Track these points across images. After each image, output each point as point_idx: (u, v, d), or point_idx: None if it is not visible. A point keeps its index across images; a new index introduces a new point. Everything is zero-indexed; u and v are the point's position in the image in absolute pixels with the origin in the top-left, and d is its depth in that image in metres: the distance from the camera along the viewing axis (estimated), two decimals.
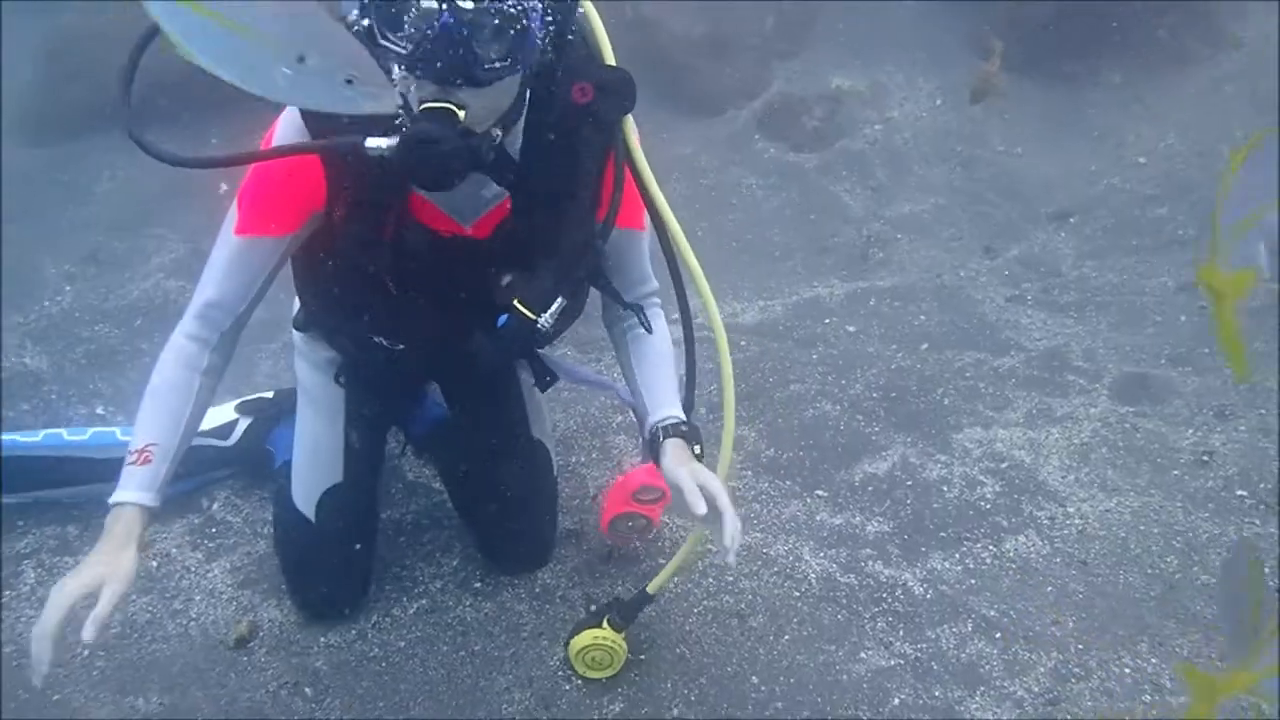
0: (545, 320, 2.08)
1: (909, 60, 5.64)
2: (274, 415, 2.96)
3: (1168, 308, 3.85)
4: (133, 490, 1.93)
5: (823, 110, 5.33)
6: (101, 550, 1.87)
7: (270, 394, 3.05)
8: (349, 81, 1.54)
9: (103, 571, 1.83)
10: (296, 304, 2.47)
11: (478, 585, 2.60)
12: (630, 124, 2.07)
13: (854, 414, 3.30)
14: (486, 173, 1.98)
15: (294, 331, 2.53)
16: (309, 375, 2.53)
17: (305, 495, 2.48)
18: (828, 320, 3.92)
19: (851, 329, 3.87)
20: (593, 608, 2.41)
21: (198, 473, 2.92)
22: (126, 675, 2.32)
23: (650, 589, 2.29)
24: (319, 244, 2.11)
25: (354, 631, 2.46)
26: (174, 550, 2.74)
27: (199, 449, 2.90)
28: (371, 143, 1.81)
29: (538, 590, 2.59)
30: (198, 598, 2.56)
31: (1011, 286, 4.12)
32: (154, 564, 2.67)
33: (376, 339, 2.29)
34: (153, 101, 5.59)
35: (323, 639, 2.43)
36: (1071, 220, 4.58)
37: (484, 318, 2.17)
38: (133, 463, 1.96)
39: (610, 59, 2.08)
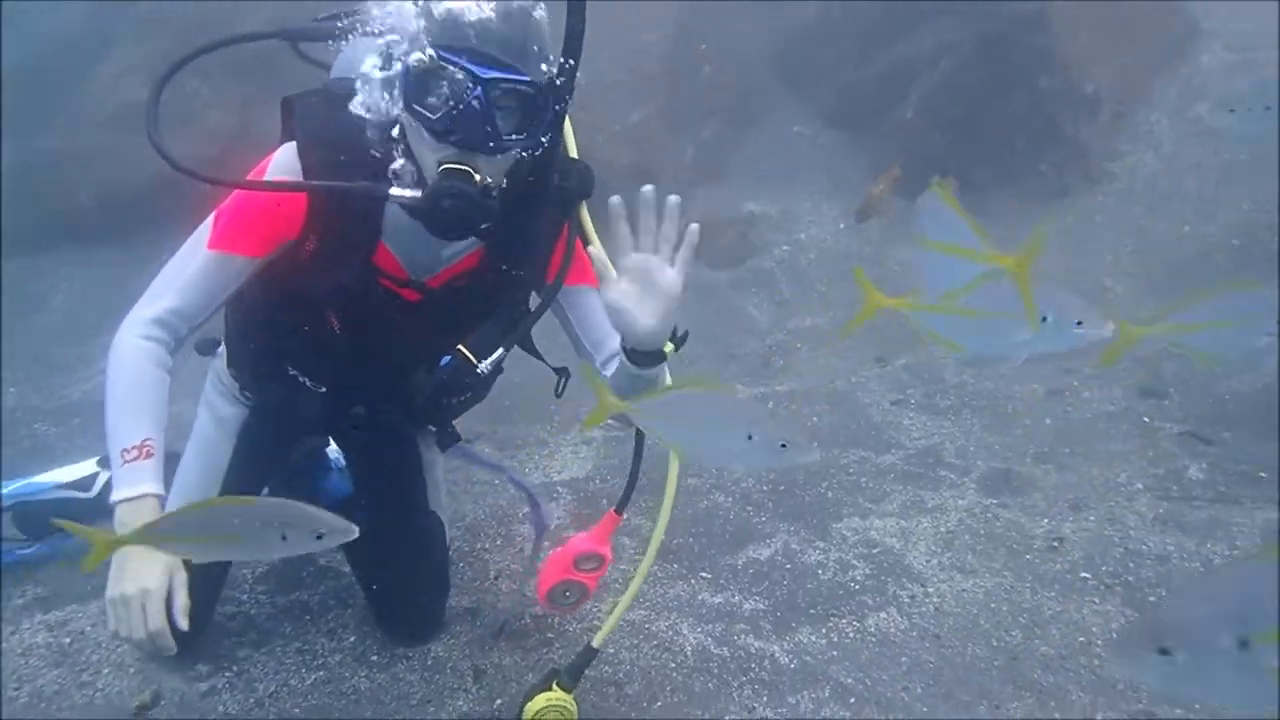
0: (485, 366, 2.24)
1: (816, 188, 5.98)
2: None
3: (1036, 412, 4.07)
4: (147, 483, 1.95)
5: (735, 232, 5.61)
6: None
7: None
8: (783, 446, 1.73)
9: (167, 562, 1.93)
10: (221, 349, 2.57)
11: (374, 659, 2.69)
12: (584, 206, 2.26)
13: (744, 505, 3.45)
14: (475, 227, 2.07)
15: (211, 373, 2.62)
16: (205, 423, 2.61)
17: None
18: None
19: None
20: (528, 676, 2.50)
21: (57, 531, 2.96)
22: None
23: (595, 643, 2.39)
24: (277, 272, 2.17)
25: (252, 699, 2.53)
26: (88, 628, 2.80)
27: (57, 502, 3.04)
28: (395, 191, 1.99)
29: (429, 662, 2.68)
30: (105, 670, 2.63)
31: (898, 392, 4.33)
32: (67, 640, 2.75)
33: (301, 378, 2.39)
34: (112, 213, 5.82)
35: (220, 707, 2.50)
36: None
37: (419, 357, 2.30)
38: (134, 459, 1.96)
39: (574, 152, 2.25)
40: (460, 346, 2.24)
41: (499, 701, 2.52)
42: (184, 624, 1.93)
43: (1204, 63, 6.41)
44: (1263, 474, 3.51)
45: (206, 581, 2.52)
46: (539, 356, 2.46)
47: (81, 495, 3.04)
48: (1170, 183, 5.54)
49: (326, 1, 2.41)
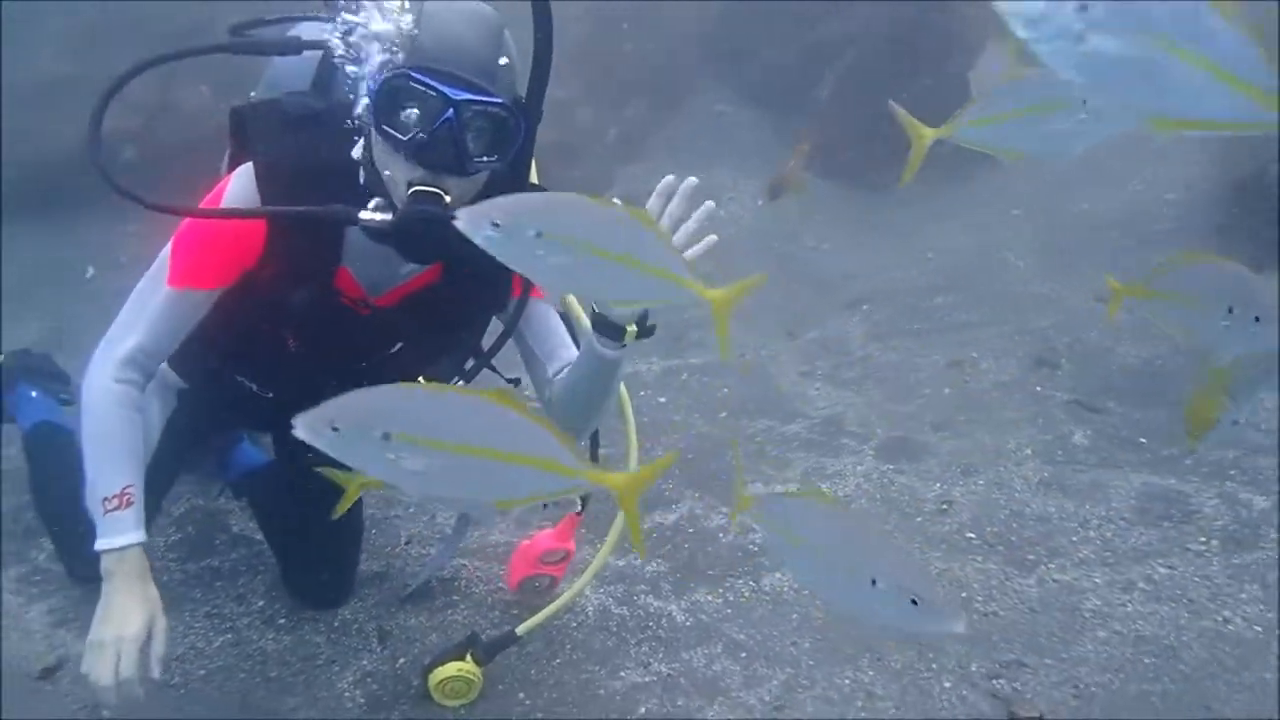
0: None
1: (737, 166, 6.06)
2: (8, 380, 3.10)
3: (936, 382, 4.20)
4: (130, 533, 2.01)
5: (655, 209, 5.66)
6: (126, 593, 1.99)
7: (28, 350, 3.21)
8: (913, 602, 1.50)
9: (149, 610, 1.99)
10: None
11: (281, 621, 2.74)
12: None
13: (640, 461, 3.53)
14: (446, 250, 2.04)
15: None
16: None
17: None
18: (642, 393, 4.17)
19: (662, 400, 4.13)
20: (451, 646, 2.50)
21: None
22: None
23: (519, 631, 2.46)
24: (232, 295, 2.15)
25: None
26: None
27: None
28: (365, 215, 1.95)
29: (336, 624, 2.73)
30: (14, 636, 2.65)
31: (806, 364, 4.44)
32: None
33: (248, 384, 2.38)
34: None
35: None
36: (864, 307, 4.95)
37: (379, 383, 2.33)
38: (115, 508, 2.00)
39: (535, 176, 2.23)
40: (421, 379, 2.26)
41: (401, 661, 2.58)
42: (156, 672, 2.00)
43: None
44: (1142, 440, 3.66)
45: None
46: (493, 369, 2.46)
47: None
48: (1070, 163, 5.68)
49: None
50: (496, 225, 1.51)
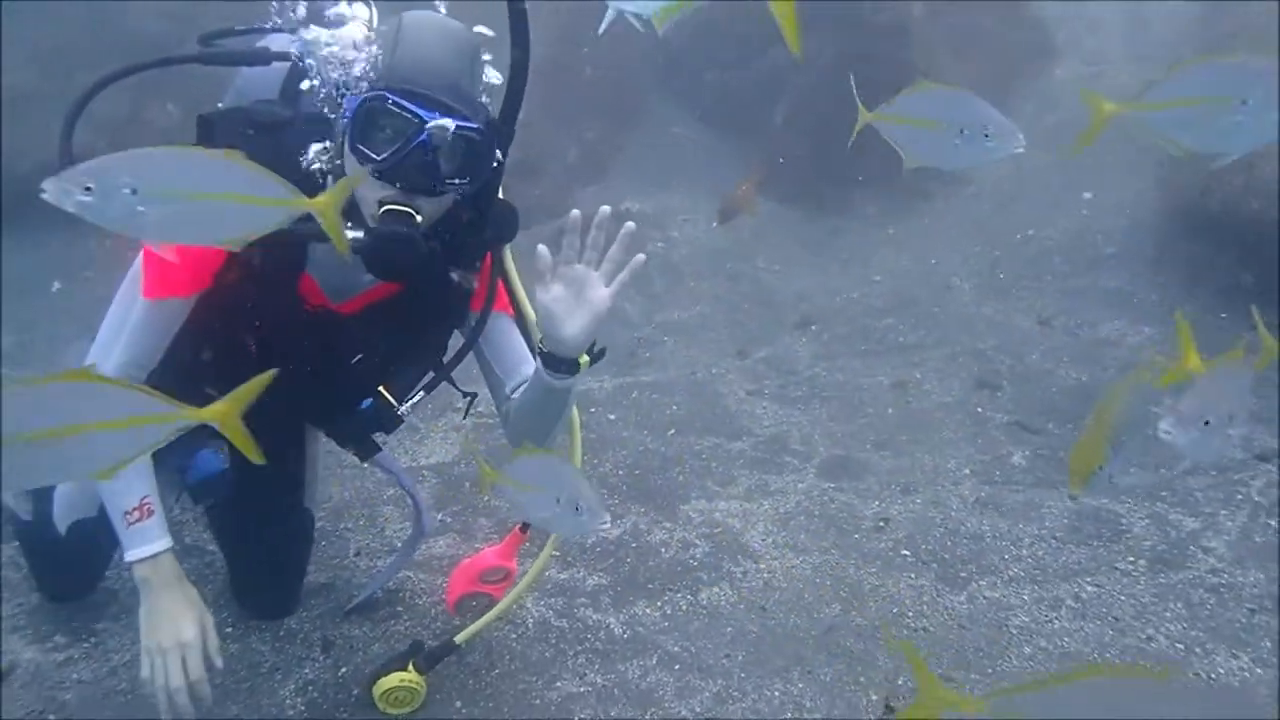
0: (405, 409, 2.30)
1: (692, 187, 6.15)
2: None
3: (880, 402, 4.28)
4: (157, 540, 2.12)
5: (613, 228, 5.73)
6: (169, 598, 2.10)
7: None
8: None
9: (197, 610, 2.12)
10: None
11: (229, 630, 2.76)
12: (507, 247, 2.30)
13: (599, 488, 3.58)
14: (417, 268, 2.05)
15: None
16: None
17: (61, 515, 2.54)
18: (592, 409, 4.23)
19: (612, 417, 4.19)
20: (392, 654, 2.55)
21: None
22: None
23: (458, 640, 2.49)
24: (199, 298, 2.16)
25: (106, 669, 2.59)
26: None
27: None
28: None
29: (281, 633, 2.76)
30: None
31: (754, 382, 4.51)
32: None
33: (209, 390, 2.36)
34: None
35: (74, 675, 2.56)
36: (813, 328, 5.04)
37: (342, 395, 2.34)
38: (138, 520, 2.10)
39: (501, 192, 2.24)
40: (381, 389, 2.29)
41: (343, 670, 2.62)
42: (219, 663, 2.16)
43: (1058, 75, 6.73)
44: None
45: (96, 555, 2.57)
46: (452, 383, 2.46)
47: None
48: (1017, 188, 5.83)
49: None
50: (89, 190, 1.49)
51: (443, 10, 2.14)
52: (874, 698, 2.58)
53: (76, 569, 2.69)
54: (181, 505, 3.06)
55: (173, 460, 2.94)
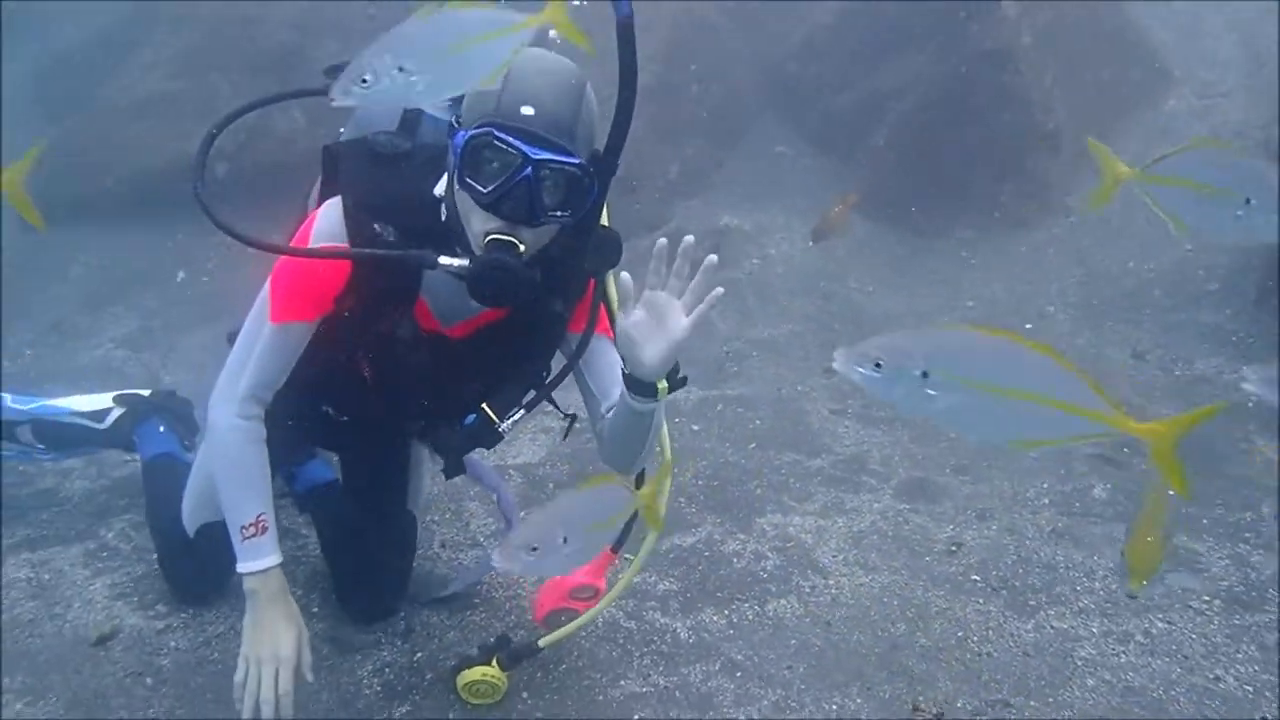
0: (505, 425, 2.40)
1: (791, 206, 6.16)
2: (145, 412, 3.27)
3: None
4: (268, 556, 2.26)
5: (710, 244, 5.78)
6: (272, 612, 2.25)
7: (147, 393, 3.37)
8: None
9: (296, 627, 2.27)
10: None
11: (316, 610, 2.90)
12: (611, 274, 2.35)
13: (677, 496, 3.64)
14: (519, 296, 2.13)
15: None
16: None
17: (190, 516, 2.71)
18: (677, 419, 4.29)
19: (696, 428, 4.25)
20: (475, 650, 2.62)
21: (66, 447, 3.30)
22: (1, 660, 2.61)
23: (542, 643, 2.56)
24: (325, 325, 2.27)
25: (201, 639, 2.75)
26: (66, 567, 3.03)
27: (73, 426, 3.29)
28: (444, 260, 2.07)
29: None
30: (76, 605, 2.85)
31: (838, 402, 4.51)
32: (46, 577, 2.97)
33: (327, 409, 2.52)
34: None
35: (172, 643, 2.72)
36: None
37: (447, 412, 2.44)
38: (252, 535, 2.23)
39: (605, 219, 2.29)
40: (485, 405, 2.37)
41: (419, 655, 2.73)
42: (309, 678, 2.29)
43: (1171, 107, 6.56)
44: None
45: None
46: (553, 403, 2.53)
47: (95, 426, 3.29)
48: (1123, 219, 5.69)
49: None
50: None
51: (556, 39, 2.19)
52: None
53: (206, 569, 2.80)
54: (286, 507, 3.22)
55: (282, 468, 3.10)
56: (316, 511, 3.06)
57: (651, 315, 2.05)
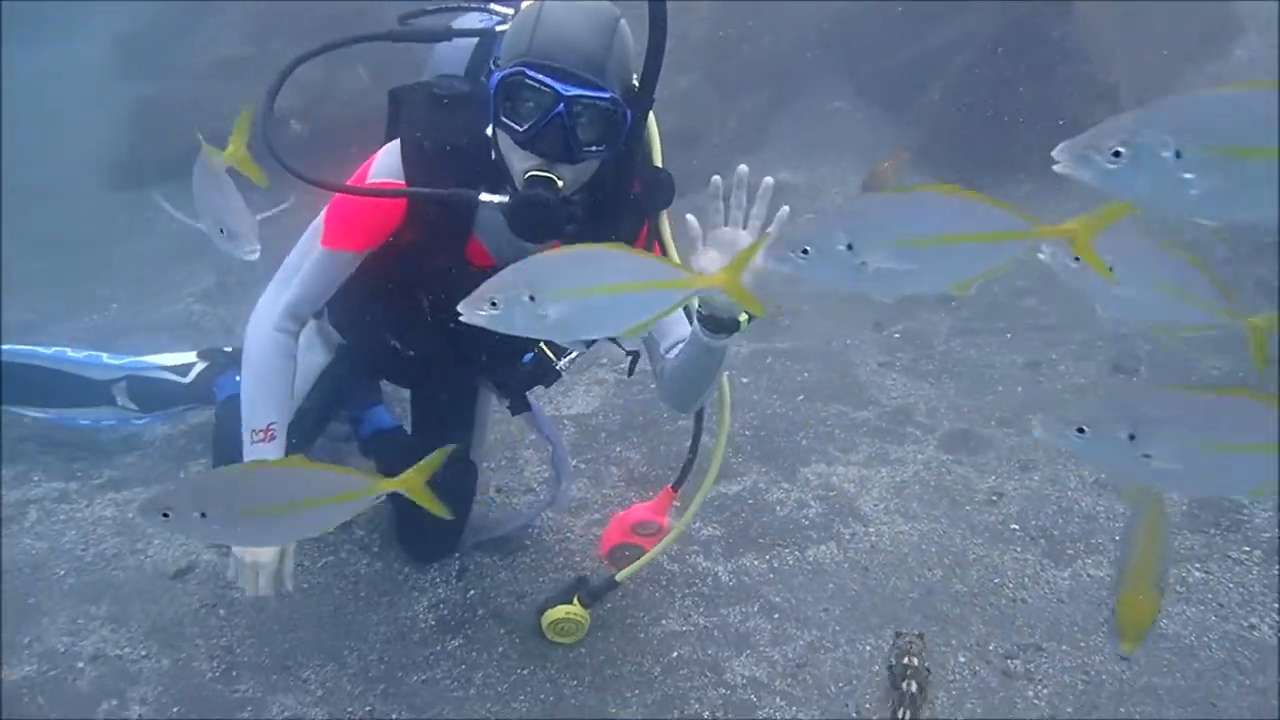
0: (563, 364, 2.48)
1: (846, 162, 6.13)
2: (224, 364, 3.43)
3: (1011, 380, 4.23)
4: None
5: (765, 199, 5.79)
6: None
7: (229, 349, 3.52)
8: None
9: None
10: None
11: (376, 550, 3.03)
12: (664, 214, 2.36)
13: (726, 446, 3.69)
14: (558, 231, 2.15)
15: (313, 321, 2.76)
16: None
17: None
18: (728, 373, 4.32)
19: (745, 380, 4.29)
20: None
21: (155, 408, 3.46)
22: (88, 590, 2.78)
23: (618, 577, 2.65)
24: (376, 259, 2.33)
25: None
26: None
27: (161, 381, 3.44)
28: (485, 197, 2.12)
29: None
30: (156, 541, 3.01)
31: (887, 355, 4.52)
32: (129, 515, 3.14)
33: (394, 343, 2.60)
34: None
35: None
36: (953, 304, 4.99)
37: (505, 349, 2.47)
38: (260, 440, 2.25)
39: (659, 159, 2.32)
40: (542, 345, 2.43)
41: (472, 593, 2.85)
42: (289, 587, 2.31)
43: (1237, 56, 6.37)
44: None
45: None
46: (615, 341, 2.54)
47: (180, 380, 3.46)
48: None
49: None
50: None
51: None
52: (961, 659, 2.63)
53: None
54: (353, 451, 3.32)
55: (347, 413, 3.22)
56: (380, 455, 3.17)
57: (722, 252, 2.02)
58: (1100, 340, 4.50)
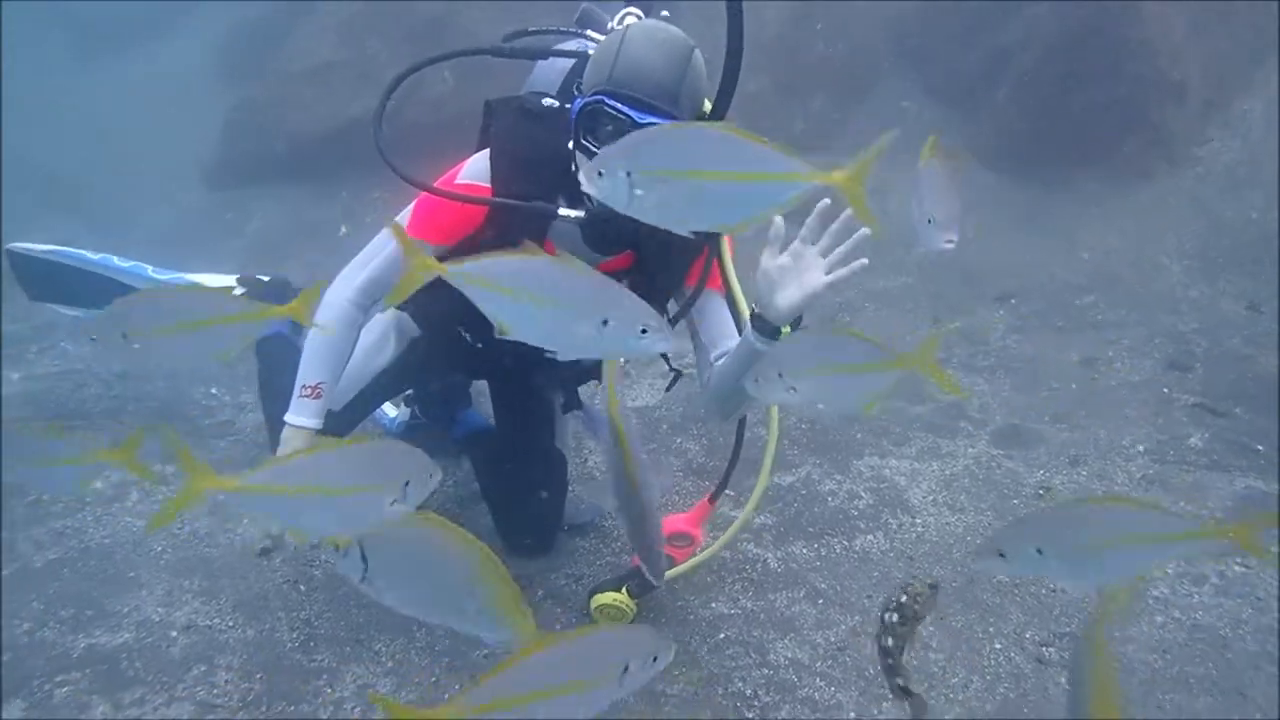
0: (620, 364, 2.58)
1: (913, 162, 6.09)
2: (260, 294, 3.62)
3: (1065, 377, 4.24)
4: (307, 417, 2.47)
5: (832, 196, 5.81)
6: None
7: (266, 277, 3.73)
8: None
9: None
10: None
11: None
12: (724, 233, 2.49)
13: (780, 438, 3.77)
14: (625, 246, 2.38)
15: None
16: (372, 328, 2.88)
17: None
18: None
19: None
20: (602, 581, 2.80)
21: None
22: (181, 564, 2.97)
23: (659, 581, 2.66)
24: (454, 254, 2.40)
25: None
26: None
27: None
28: (564, 211, 2.31)
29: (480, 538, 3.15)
30: (244, 521, 3.20)
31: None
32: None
33: (465, 334, 2.73)
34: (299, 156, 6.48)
35: (323, 557, 3.03)
36: (1011, 301, 4.99)
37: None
38: (306, 395, 2.46)
39: None
40: None
41: (532, 574, 2.98)
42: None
43: None
44: (1259, 447, 3.63)
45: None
46: (663, 356, 2.69)
47: None
48: (1250, 170, 5.47)
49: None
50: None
51: (665, 14, 2.41)
52: (997, 646, 2.69)
53: None
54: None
55: (443, 416, 3.35)
56: (474, 452, 3.31)
57: (795, 263, 2.14)
58: (1158, 337, 4.47)
